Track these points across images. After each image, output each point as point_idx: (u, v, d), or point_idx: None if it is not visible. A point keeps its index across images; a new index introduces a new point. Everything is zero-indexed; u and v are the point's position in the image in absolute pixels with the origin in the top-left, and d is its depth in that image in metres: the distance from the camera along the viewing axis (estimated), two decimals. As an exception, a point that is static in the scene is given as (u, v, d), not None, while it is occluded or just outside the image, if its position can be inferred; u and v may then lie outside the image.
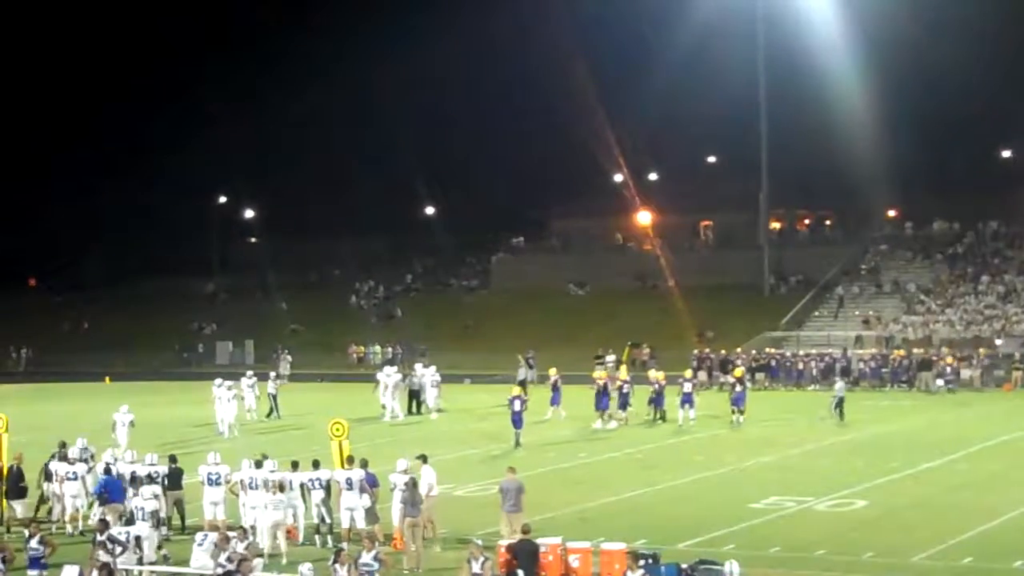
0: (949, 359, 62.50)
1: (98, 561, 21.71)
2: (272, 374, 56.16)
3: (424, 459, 28.20)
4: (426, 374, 54.97)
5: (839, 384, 50.57)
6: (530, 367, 65.49)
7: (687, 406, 47.32)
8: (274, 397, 54.05)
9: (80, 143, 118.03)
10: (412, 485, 26.47)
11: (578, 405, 50.24)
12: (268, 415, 53.55)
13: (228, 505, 28.44)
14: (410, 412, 53.21)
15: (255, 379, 54.32)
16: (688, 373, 49.95)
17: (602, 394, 48.55)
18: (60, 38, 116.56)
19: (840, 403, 48.29)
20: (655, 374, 51.45)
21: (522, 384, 57.70)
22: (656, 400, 49.09)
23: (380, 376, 54.19)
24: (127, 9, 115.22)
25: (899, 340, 70.03)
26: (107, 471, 29.67)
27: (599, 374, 51.65)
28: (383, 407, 52.83)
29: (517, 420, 43.07)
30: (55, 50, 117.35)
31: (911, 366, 63.44)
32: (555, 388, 51.08)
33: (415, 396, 53.93)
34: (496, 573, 21.89)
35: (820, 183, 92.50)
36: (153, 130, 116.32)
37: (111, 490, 28.91)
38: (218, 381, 49.04)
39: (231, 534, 23.15)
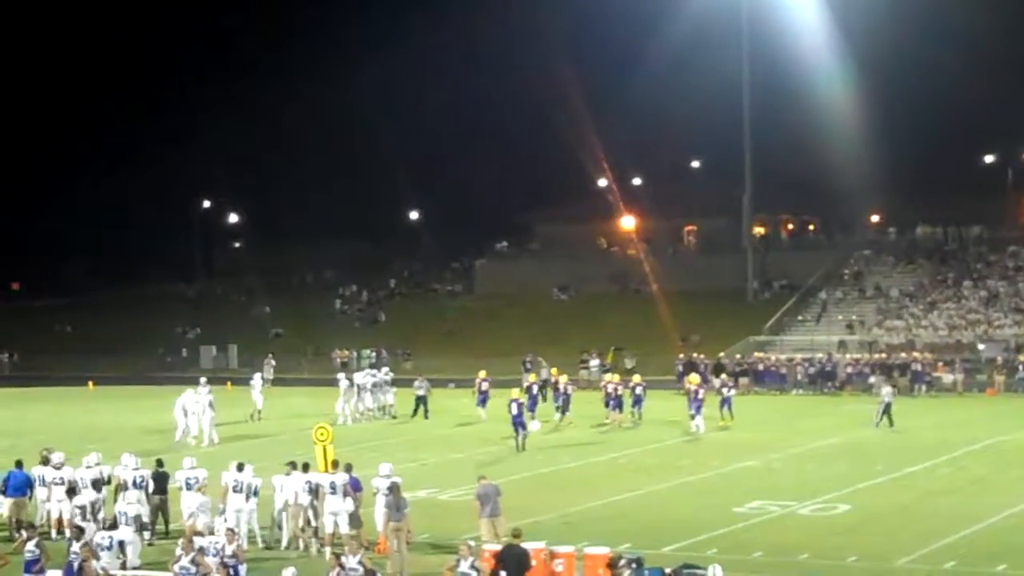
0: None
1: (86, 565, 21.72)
2: (203, 379, 54.91)
3: (294, 466, 28.42)
4: (368, 377, 55.00)
5: (886, 389, 49.29)
6: (527, 371, 65.51)
7: (698, 413, 46.61)
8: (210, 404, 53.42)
9: (64, 148, 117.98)
10: (394, 489, 26.49)
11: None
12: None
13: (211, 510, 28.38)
14: (414, 416, 52.88)
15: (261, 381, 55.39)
16: (695, 380, 48.97)
17: (533, 397, 49.40)
18: (50, 43, 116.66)
19: (887, 408, 47.29)
20: (609, 376, 52.01)
21: (544, 384, 58.47)
22: (612, 402, 49.31)
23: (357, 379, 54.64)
24: (115, 18, 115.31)
25: (882, 345, 70.19)
26: (18, 465, 30.25)
27: (610, 377, 52.11)
28: (378, 409, 53.54)
29: (517, 423, 43.11)
30: (43, 57, 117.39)
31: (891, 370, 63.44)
32: (480, 391, 52.11)
33: (421, 402, 53.49)
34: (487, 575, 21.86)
35: (804, 188, 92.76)
36: (137, 135, 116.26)
37: (8, 485, 29.62)
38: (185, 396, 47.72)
39: (200, 539, 23.12)
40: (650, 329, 78.79)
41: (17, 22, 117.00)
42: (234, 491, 27.62)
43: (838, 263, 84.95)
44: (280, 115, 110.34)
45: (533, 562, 22.96)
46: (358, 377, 54.97)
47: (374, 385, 54.25)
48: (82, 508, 27.63)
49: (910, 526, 29.34)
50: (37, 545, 23.04)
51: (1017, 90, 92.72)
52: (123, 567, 23.96)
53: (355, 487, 27.41)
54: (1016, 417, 50.78)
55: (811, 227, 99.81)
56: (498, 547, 23.62)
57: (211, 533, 24.78)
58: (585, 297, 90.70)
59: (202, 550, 22.37)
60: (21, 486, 29.71)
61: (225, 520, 26.72)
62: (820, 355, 67.35)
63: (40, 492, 29.79)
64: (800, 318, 78.79)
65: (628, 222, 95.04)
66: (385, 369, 58.71)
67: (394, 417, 53.45)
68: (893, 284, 79.83)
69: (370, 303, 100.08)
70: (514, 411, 43.19)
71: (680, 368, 65.62)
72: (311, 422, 36.40)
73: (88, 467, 29.59)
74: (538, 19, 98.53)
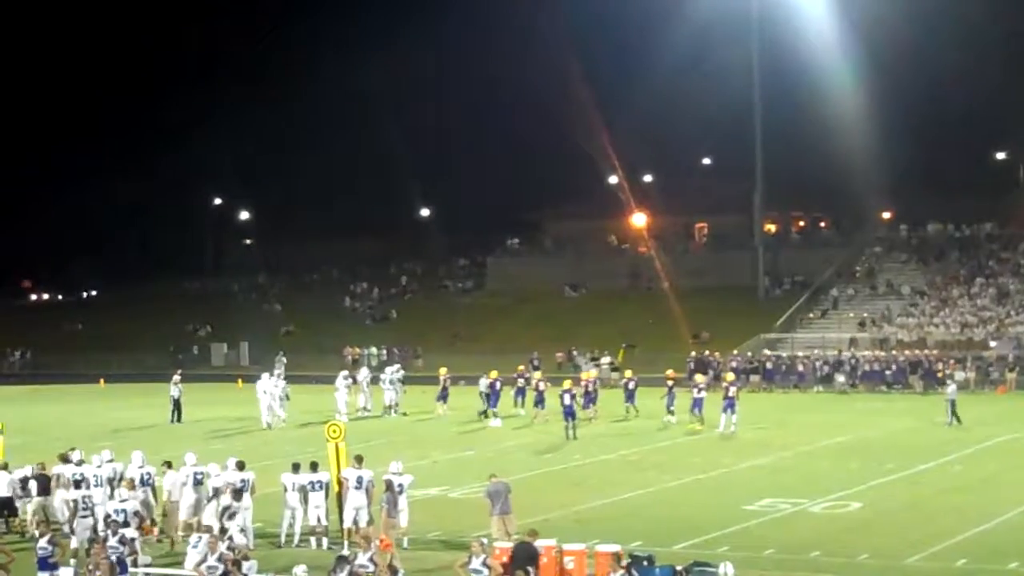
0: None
1: (101, 560, 21.76)
2: (176, 377, 55.15)
3: (168, 465, 28.94)
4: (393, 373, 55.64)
5: (951, 387, 49.26)
6: (535, 368, 65.74)
7: (729, 411, 46.09)
8: (176, 401, 53.68)
9: (75, 145, 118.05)
10: (388, 487, 26.61)
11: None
12: (172, 420, 53.17)
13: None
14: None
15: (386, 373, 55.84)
16: (730, 377, 48.82)
17: (496, 393, 50.82)
18: (56, 40, 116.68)
19: (953, 406, 47.31)
20: (587, 373, 52.52)
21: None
22: (585, 398, 49.91)
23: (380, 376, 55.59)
24: (123, 12, 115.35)
25: (893, 342, 70.08)
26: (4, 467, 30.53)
27: (586, 374, 52.37)
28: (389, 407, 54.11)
29: (568, 413, 44.71)
30: (52, 52, 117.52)
31: (904, 367, 63.36)
32: (444, 387, 53.21)
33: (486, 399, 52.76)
34: (498, 572, 21.86)
35: (815, 185, 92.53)
36: (148, 132, 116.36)
37: None
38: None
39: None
40: (661, 326, 78.79)
41: (22, 20, 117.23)
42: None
43: (849, 260, 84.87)
44: (291, 113, 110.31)
45: (545, 559, 23.01)
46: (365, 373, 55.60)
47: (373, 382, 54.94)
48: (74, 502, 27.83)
49: (921, 524, 29.30)
50: (50, 541, 23.17)
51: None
52: (134, 564, 24.00)
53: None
54: (1028, 414, 50.76)
55: (822, 224, 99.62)
56: (509, 545, 23.66)
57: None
58: (596, 294, 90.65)
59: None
60: None
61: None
62: (831, 352, 67.25)
63: (59, 491, 29.80)
64: (811, 315, 78.70)
65: (639, 219, 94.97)
66: (396, 367, 58.87)
67: (404, 414, 53.51)
68: (904, 281, 79.70)
69: (380, 301, 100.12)
70: (567, 401, 45.02)
71: (692, 365, 65.84)
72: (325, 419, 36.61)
73: (99, 465, 29.62)
74: (548, 16, 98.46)
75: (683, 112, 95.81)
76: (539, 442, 44.13)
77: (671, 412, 48.31)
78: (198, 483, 28.38)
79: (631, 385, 51.44)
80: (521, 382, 52.73)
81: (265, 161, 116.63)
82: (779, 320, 76.96)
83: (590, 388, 50.37)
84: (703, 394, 47.57)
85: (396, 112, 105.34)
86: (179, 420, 53.14)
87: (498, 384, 51.11)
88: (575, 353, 72.87)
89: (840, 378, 64.04)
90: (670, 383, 49.34)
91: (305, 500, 27.81)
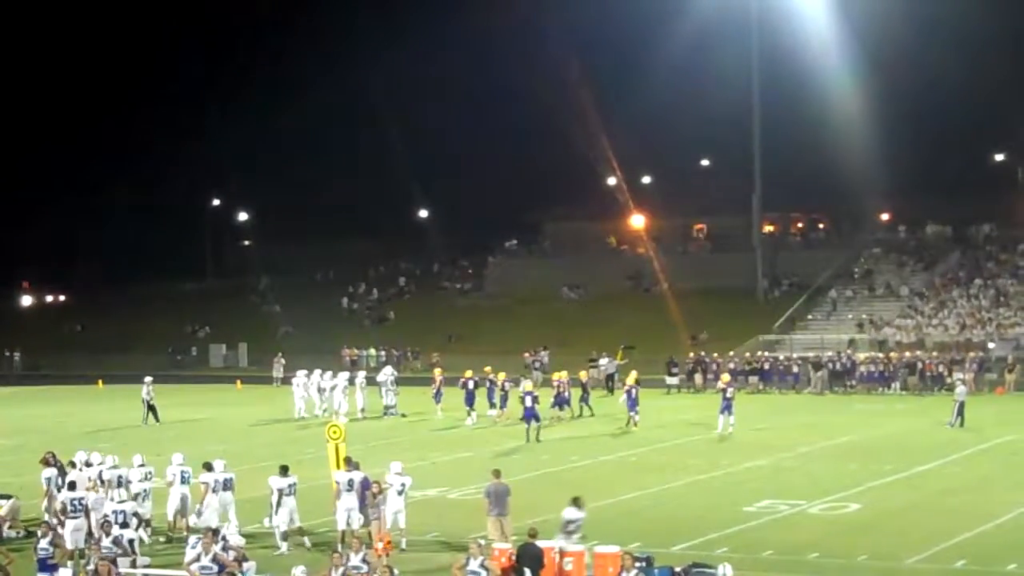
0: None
1: (101, 560, 21.78)
2: (148, 379, 55.32)
3: (71, 464, 29.21)
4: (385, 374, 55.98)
5: (960, 388, 49.14)
6: (535, 369, 65.79)
7: (727, 412, 45.94)
8: (150, 405, 53.93)
9: (75, 146, 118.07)
10: (380, 489, 26.67)
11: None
12: (145, 420, 53.50)
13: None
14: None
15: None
16: (726, 378, 48.33)
17: (470, 392, 51.55)
18: (58, 41, 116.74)
19: (961, 408, 47.10)
20: (559, 375, 52.53)
21: (610, 379, 62.47)
22: (559, 400, 50.70)
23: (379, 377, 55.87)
24: (122, 13, 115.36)
25: (892, 343, 70.07)
26: None
27: (556, 375, 52.94)
28: (387, 408, 54.47)
29: (529, 416, 44.99)
30: (53, 53, 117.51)
31: (901, 369, 63.34)
32: (438, 390, 54.10)
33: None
34: (496, 574, 21.86)
35: (813, 186, 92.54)
36: (148, 133, 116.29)
37: None
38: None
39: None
40: (660, 328, 78.71)
41: (23, 19, 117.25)
42: (224, 489, 27.62)
43: (848, 261, 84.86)
44: (290, 114, 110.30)
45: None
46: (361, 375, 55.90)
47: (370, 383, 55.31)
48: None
49: (920, 525, 29.31)
50: (51, 543, 23.19)
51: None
52: (133, 565, 24.01)
53: (365, 486, 27.44)
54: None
55: (821, 225, 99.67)
56: (506, 546, 23.65)
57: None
58: (595, 296, 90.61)
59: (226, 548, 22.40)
60: None
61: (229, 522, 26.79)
62: (829, 353, 67.19)
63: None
64: (810, 316, 78.70)
65: (638, 221, 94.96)
66: (389, 368, 58.88)
67: (403, 416, 53.60)
68: (903, 283, 79.70)
69: (379, 302, 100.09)
70: (528, 403, 45.21)
71: (690, 367, 65.99)
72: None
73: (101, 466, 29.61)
74: (548, 17, 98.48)
75: (682, 113, 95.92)
76: (537, 444, 44.08)
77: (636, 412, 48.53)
78: (185, 481, 28.43)
79: (589, 387, 54.00)
80: (471, 385, 52.83)
81: (264, 162, 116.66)
82: (778, 321, 76.95)
83: (561, 389, 50.70)
84: (634, 392, 48.41)
85: (396, 113, 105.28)
86: (156, 420, 53.36)
87: (471, 384, 51.71)
88: (541, 352, 72.72)
89: (810, 375, 64.03)
90: (627, 385, 49.44)
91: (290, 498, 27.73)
